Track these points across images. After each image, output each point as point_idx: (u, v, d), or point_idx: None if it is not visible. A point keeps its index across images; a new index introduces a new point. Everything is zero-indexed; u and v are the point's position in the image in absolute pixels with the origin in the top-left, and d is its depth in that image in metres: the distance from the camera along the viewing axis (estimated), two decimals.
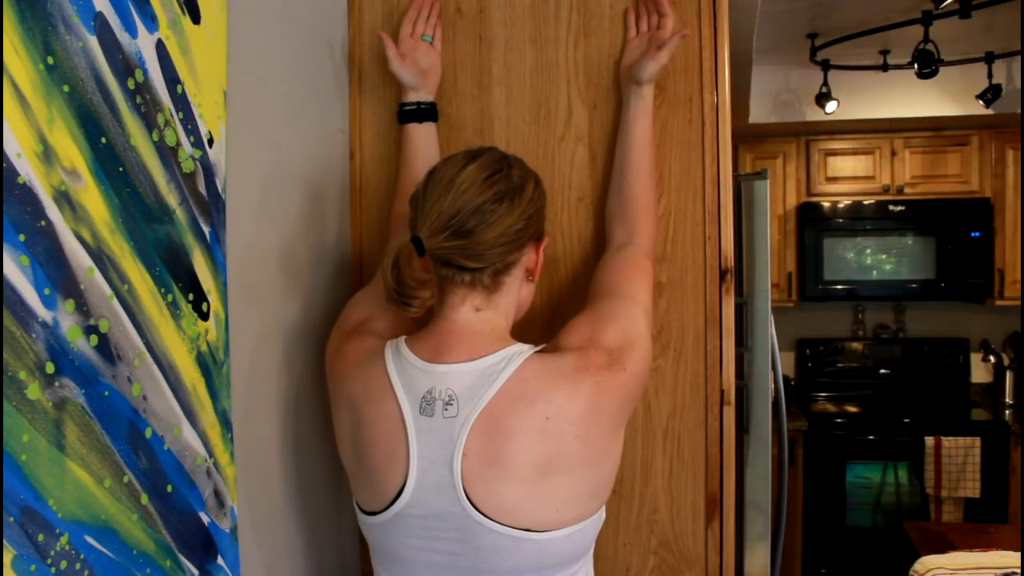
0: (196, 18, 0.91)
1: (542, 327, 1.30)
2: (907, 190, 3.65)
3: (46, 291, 0.68)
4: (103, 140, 0.76)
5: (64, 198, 0.71)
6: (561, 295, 1.30)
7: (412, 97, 1.28)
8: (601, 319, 1.01)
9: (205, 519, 0.92)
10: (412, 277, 0.91)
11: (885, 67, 3.19)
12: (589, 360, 0.95)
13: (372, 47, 1.37)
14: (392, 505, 0.94)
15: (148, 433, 0.82)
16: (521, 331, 1.29)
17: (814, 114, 3.44)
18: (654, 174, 1.21)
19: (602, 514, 1.00)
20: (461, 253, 0.93)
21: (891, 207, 3.59)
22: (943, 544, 2.37)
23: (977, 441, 3.30)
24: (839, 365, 3.96)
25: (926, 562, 2.02)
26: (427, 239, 0.93)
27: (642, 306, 1.05)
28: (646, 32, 1.25)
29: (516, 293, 1.02)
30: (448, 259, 0.94)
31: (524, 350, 0.95)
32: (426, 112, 1.27)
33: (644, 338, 1.01)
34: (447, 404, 0.92)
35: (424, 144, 1.27)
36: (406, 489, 0.92)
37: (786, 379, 3.86)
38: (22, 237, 0.66)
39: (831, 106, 3.29)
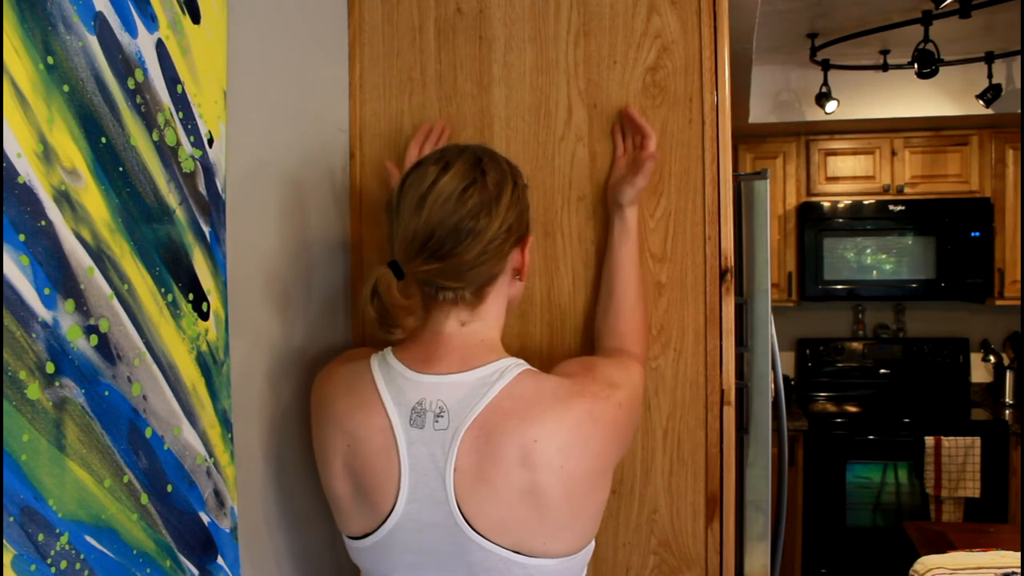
0: (196, 18, 0.91)
1: (542, 328, 1.30)
2: (907, 190, 3.65)
3: (46, 291, 0.68)
4: (103, 140, 0.76)
5: (64, 198, 0.71)
6: (561, 295, 1.30)
7: None
8: (599, 357, 1.03)
9: (205, 519, 0.92)
10: (393, 304, 0.89)
11: (885, 67, 3.19)
12: (585, 387, 0.93)
13: (372, 47, 1.37)
14: (386, 521, 0.92)
15: (148, 433, 0.82)
16: (520, 332, 1.30)
17: (814, 114, 3.44)
18: (642, 293, 1.20)
19: (592, 546, 0.98)
20: (440, 275, 0.91)
21: (891, 207, 3.59)
22: (943, 544, 2.37)
23: (977, 441, 3.30)
24: (839, 365, 3.96)
25: (926, 562, 2.02)
26: (404, 264, 0.91)
27: (638, 369, 1.04)
28: (632, 150, 1.24)
29: (504, 298, 1.00)
30: (428, 281, 0.93)
31: (518, 364, 0.94)
32: None
33: (640, 388, 1.01)
34: (438, 416, 0.90)
35: None
36: (399, 502, 0.91)
37: (786, 379, 3.87)
38: (22, 237, 0.66)
39: (831, 106, 3.29)
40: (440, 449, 0.89)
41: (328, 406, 0.98)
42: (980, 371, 3.91)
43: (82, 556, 0.73)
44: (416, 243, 0.89)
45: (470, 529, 0.88)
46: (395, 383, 0.93)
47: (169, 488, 0.85)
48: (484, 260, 0.92)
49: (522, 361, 0.95)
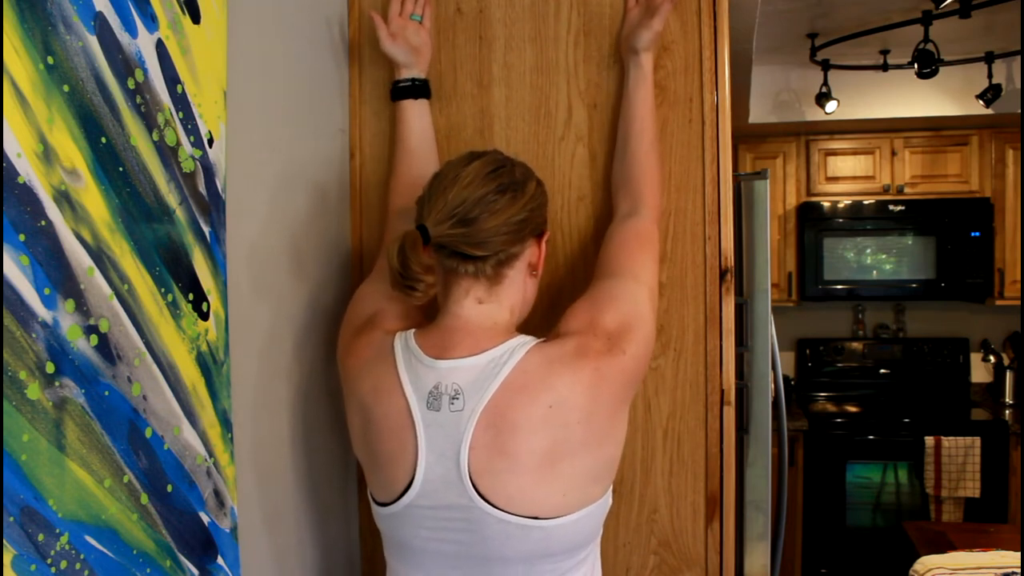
0: (196, 18, 0.91)
1: (542, 329, 1.30)
2: (907, 190, 3.65)
3: (46, 291, 0.68)
4: (103, 140, 0.76)
5: (64, 198, 0.71)
6: (561, 294, 1.30)
7: (405, 74, 1.29)
8: (600, 302, 1.03)
9: (205, 519, 0.92)
10: (418, 263, 0.93)
11: (885, 67, 3.19)
12: (588, 346, 0.96)
13: (372, 47, 1.37)
14: (402, 497, 0.96)
15: (148, 433, 0.82)
16: (521, 327, 1.30)
17: (814, 114, 3.44)
18: (656, 141, 1.22)
19: (608, 499, 1.01)
20: (464, 241, 0.95)
21: (891, 207, 3.59)
22: (943, 544, 2.37)
23: (977, 441, 3.30)
24: (839, 365, 3.96)
25: (926, 562, 2.02)
26: (432, 227, 0.95)
27: (644, 283, 1.06)
28: (644, 0, 1.26)
29: (520, 287, 1.03)
30: (452, 247, 0.97)
31: (526, 342, 0.97)
32: (420, 88, 1.29)
33: (644, 318, 1.02)
34: (453, 398, 0.94)
35: (419, 120, 1.29)
36: (415, 482, 0.94)
37: (786, 379, 3.87)
38: (22, 237, 0.66)
39: (831, 106, 3.29)
40: (456, 430, 0.93)
41: (351, 381, 1.04)
42: (980, 371, 3.91)
43: (82, 556, 0.73)
44: (447, 210, 0.95)
45: (486, 504, 0.92)
46: (414, 369, 0.97)
47: (169, 488, 0.85)
48: (505, 232, 0.97)
49: (529, 338, 0.98)
